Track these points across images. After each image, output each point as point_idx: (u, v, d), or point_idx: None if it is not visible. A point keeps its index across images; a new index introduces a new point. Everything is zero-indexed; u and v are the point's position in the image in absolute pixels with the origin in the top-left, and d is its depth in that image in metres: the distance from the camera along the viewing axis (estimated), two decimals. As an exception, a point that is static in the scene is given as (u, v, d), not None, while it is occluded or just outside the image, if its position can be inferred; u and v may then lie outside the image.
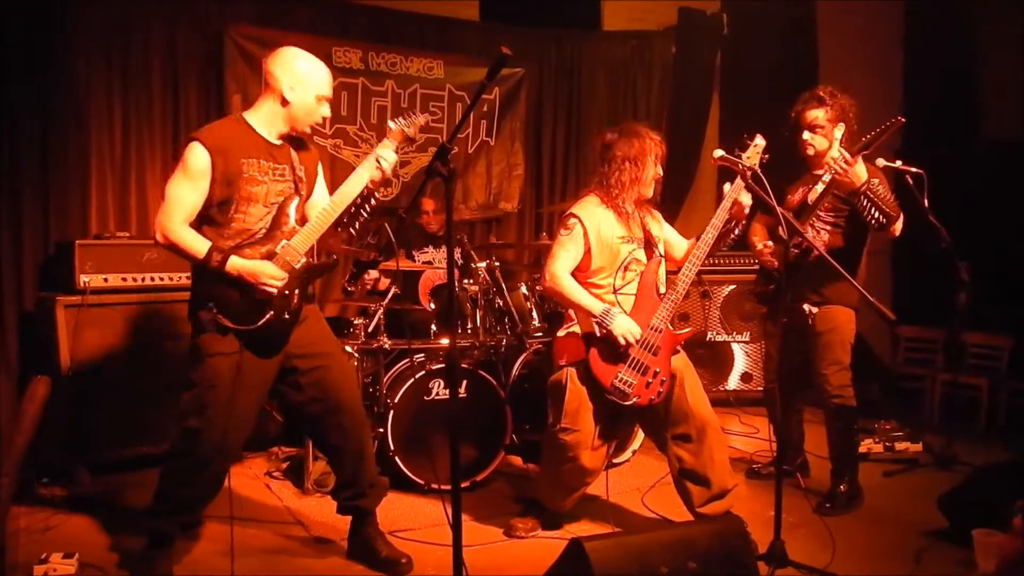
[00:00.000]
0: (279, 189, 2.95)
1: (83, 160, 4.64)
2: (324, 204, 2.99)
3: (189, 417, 2.91)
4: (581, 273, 3.29)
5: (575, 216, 3.27)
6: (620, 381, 3.15)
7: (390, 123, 3.01)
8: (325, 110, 2.98)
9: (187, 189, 2.81)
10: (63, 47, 4.48)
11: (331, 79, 2.98)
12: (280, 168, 2.95)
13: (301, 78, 2.89)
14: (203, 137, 2.83)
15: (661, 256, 3.38)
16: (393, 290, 4.33)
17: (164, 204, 2.83)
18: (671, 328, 3.27)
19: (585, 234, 3.24)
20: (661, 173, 3.34)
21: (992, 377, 5.43)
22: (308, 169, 3.07)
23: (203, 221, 2.89)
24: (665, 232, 3.48)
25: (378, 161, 2.92)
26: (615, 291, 3.28)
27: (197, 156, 2.80)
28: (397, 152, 3.00)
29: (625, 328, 3.15)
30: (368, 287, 4.44)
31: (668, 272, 3.41)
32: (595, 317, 3.16)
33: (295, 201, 2.96)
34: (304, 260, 2.94)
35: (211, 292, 2.84)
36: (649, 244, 3.37)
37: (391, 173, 3.00)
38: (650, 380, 3.18)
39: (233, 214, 2.88)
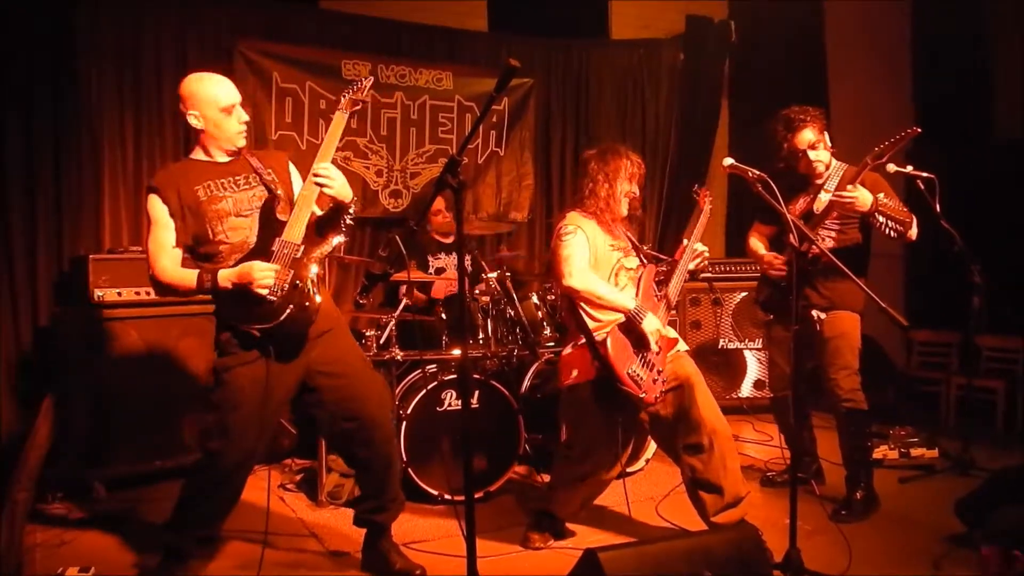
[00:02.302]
0: (249, 196, 2.96)
1: (96, 175, 4.68)
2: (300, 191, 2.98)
3: (212, 438, 2.93)
4: None
5: (571, 224, 3.33)
6: (633, 373, 3.16)
7: (343, 96, 3.01)
8: (239, 116, 2.98)
9: (161, 233, 2.89)
10: (76, 64, 4.52)
11: (231, 87, 2.98)
12: (240, 178, 2.98)
13: (197, 100, 2.91)
14: (154, 182, 2.94)
15: (652, 263, 3.47)
16: (405, 301, 4.34)
17: (148, 257, 2.91)
18: (666, 332, 3.35)
19: (587, 239, 3.29)
20: (636, 192, 3.42)
21: (1009, 380, 5.39)
22: (277, 169, 3.08)
23: (197, 258, 2.95)
24: None
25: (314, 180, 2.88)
26: None
27: (153, 202, 2.90)
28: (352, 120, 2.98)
29: (654, 327, 3.21)
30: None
31: None
32: (630, 311, 3.20)
33: (278, 200, 2.97)
34: (302, 248, 2.91)
35: (227, 310, 2.88)
36: (636, 249, 3.47)
37: (341, 184, 2.89)
38: (655, 377, 3.22)
39: (214, 239, 2.90)
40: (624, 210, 3.40)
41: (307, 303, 2.89)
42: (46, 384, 4.07)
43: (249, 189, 2.98)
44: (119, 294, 4.12)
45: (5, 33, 4.23)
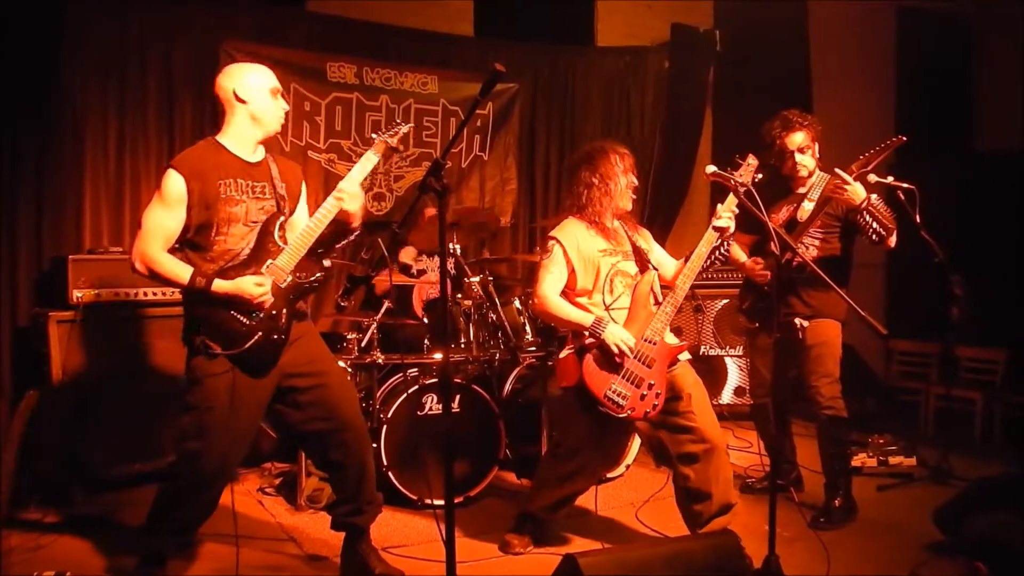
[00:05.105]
0: (260, 207, 2.95)
1: (78, 175, 4.62)
2: (306, 222, 2.99)
3: (189, 440, 2.89)
4: (571, 292, 3.30)
5: (553, 238, 3.30)
6: (614, 392, 3.13)
7: (373, 135, 3.05)
8: (283, 103, 3.01)
9: (165, 216, 2.83)
10: (60, 63, 4.48)
11: (273, 75, 3.01)
12: (259, 186, 2.96)
13: (248, 85, 2.92)
14: (179, 164, 2.86)
15: (655, 268, 3.38)
16: (386, 305, 4.32)
17: (141, 232, 2.84)
18: (667, 341, 3.25)
19: (565, 253, 3.26)
20: (636, 182, 3.37)
21: (986, 390, 5.44)
22: (290, 186, 3.08)
23: (186, 245, 2.91)
24: (655, 252, 3.49)
25: (337, 195, 2.93)
26: (607, 308, 3.28)
27: (173, 183, 2.82)
28: (384, 162, 3.01)
29: (617, 337, 3.13)
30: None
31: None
32: (587, 329, 3.16)
33: (279, 220, 2.96)
34: (290, 278, 2.93)
35: (201, 316, 2.85)
36: (638, 255, 3.38)
37: (358, 207, 2.99)
38: (644, 392, 3.16)
39: (214, 236, 2.88)
40: (628, 204, 3.35)
41: (276, 335, 2.90)
42: (24, 385, 4.03)
43: (263, 199, 2.97)
44: (98, 295, 4.08)
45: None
